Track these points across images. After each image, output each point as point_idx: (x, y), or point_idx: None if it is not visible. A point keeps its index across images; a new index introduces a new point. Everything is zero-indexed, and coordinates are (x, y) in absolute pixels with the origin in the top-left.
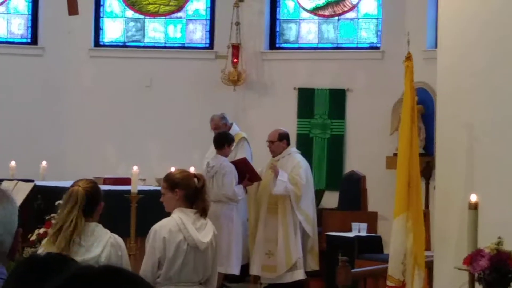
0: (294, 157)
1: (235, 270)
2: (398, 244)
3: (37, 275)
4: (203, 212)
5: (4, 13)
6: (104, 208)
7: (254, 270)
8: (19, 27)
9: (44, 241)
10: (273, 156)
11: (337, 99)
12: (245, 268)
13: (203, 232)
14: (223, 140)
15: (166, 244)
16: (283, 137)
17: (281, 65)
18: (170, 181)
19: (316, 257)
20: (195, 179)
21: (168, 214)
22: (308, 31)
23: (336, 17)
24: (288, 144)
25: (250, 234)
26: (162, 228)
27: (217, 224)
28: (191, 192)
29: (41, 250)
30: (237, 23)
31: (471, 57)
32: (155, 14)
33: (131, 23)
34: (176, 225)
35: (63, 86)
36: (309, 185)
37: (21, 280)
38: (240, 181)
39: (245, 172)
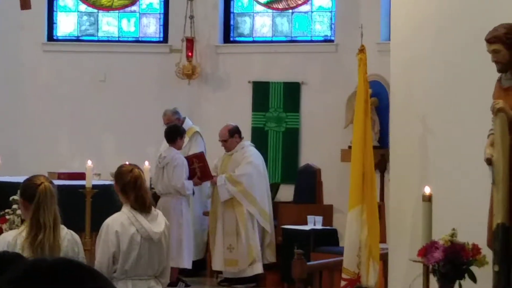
0: (246, 151)
1: (187, 264)
2: (353, 237)
3: None
4: (142, 207)
5: None
6: (59, 203)
7: (216, 265)
8: None
9: (12, 240)
10: (227, 151)
11: (291, 92)
12: (201, 262)
13: (155, 223)
14: (174, 133)
15: (119, 238)
16: (234, 132)
17: (235, 59)
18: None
19: (273, 250)
20: (131, 173)
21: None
22: (262, 24)
23: (290, 10)
24: (240, 137)
25: (211, 229)
26: (114, 222)
27: (167, 218)
28: (126, 185)
29: (20, 251)
30: (191, 17)
31: (424, 49)
32: (108, 8)
33: (85, 17)
34: (127, 218)
35: (17, 80)
36: (263, 179)
37: None
38: (191, 177)
39: (198, 168)
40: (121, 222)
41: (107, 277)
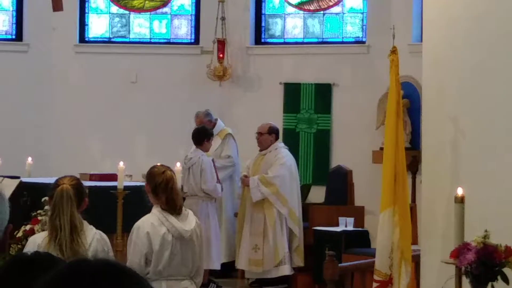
0: (279, 152)
1: (216, 265)
2: (384, 239)
3: (25, 274)
4: (173, 209)
5: None
6: (90, 204)
7: (240, 264)
8: (3, 23)
9: (41, 242)
10: (260, 149)
11: (323, 94)
12: (233, 263)
13: (186, 221)
14: (201, 135)
15: (150, 239)
16: (273, 131)
17: (266, 60)
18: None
19: (301, 254)
20: (163, 174)
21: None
22: (293, 25)
23: (322, 12)
24: (277, 139)
25: (238, 229)
26: (144, 223)
27: None
28: (157, 187)
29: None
30: (223, 18)
31: (457, 50)
32: (140, 10)
33: (116, 19)
34: (158, 219)
35: (48, 82)
36: (295, 181)
37: (9, 279)
38: None
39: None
40: (151, 223)
41: (145, 279)
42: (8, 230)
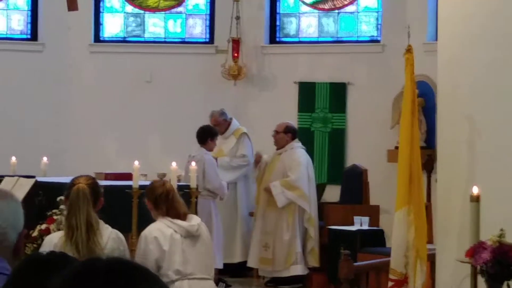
0: (295, 152)
1: (219, 264)
2: (400, 238)
3: (40, 273)
4: (177, 216)
5: (4, 9)
6: (106, 203)
7: (251, 263)
8: (18, 23)
9: (57, 241)
10: (277, 148)
11: (338, 93)
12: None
13: (191, 221)
14: (206, 134)
15: (159, 242)
16: (289, 130)
17: (281, 59)
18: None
19: (316, 256)
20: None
21: None
22: (308, 24)
23: (336, 11)
24: (293, 138)
25: (253, 226)
26: (150, 230)
27: None
28: (158, 198)
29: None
30: (237, 17)
31: (472, 49)
32: (155, 9)
33: (131, 18)
34: (163, 224)
35: (63, 82)
36: (312, 182)
37: (24, 279)
38: None
39: None
40: (157, 228)
41: (160, 278)
42: (23, 235)
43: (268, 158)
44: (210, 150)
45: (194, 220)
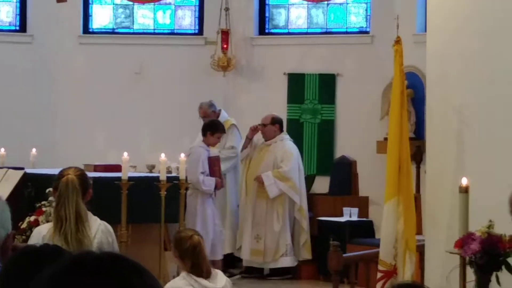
0: (285, 144)
1: (219, 255)
2: (389, 229)
3: (32, 266)
4: (200, 274)
5: None
6: (95, 195)
7: (244, 254)
8: (7, 14)
9: (46, 233)
10: (265, 140)
11: (327, 84)
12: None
13: (215, 280)
14: (206, 127)
15: None
16: (276, 122)
17: (270, 51)
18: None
19: (309, 248)
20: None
21: None
22: (297, 16)
23: (325, 2)
24: (281, 130)
25: (241, 218)
26: (173, 286)
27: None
28: (184, 252)
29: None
30: (226, 9)
31: (460, 40)
32: (144, 1)
33: (120, 10)
34: (187, 282)
35: (52, 73)
36: (300, 173)
37: (17, 272)
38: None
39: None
40: (179, 286)
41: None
42: (11, 236)
43: (252, 151)
44: (209, 144)
45: (219, 282)
